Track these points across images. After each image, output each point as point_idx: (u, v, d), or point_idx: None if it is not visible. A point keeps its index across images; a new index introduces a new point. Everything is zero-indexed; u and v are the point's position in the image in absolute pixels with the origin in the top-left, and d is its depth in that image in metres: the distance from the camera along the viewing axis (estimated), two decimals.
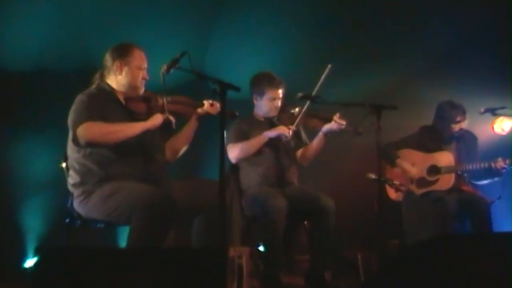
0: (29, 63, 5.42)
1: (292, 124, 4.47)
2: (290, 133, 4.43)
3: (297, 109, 4.50)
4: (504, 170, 4.91)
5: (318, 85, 4.29)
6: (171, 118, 3.62)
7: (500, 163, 4.87)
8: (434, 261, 2.92)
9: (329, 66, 4.24)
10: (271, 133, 4.48)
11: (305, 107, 4.42)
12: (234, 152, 4.50)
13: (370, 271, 5.11)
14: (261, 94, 4.63)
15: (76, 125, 3.46)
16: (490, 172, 5.01)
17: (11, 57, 5.34)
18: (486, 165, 4.94)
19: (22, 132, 5.47)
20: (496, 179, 5.07)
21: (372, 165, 4.02)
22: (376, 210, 3.86)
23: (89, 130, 3.43)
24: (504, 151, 5.43)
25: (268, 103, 4.62)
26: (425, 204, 5.04)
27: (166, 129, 3.66)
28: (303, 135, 4.77)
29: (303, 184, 4.74)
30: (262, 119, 4.74)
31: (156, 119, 3.60)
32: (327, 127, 4.44)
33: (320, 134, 4.54)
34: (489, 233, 4.58)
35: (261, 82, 4.63)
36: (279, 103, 4.62)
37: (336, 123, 4.36)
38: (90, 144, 3.48)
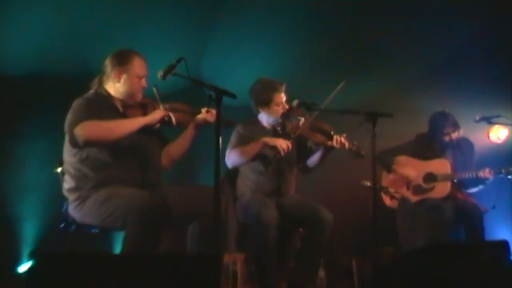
0: (25, 67, 5.42)
1: (295, 133, 4.40)
2: (286, 149, 4.32)
3: (302, 119, 4.41)
4: (488, 180, 5.03)
5: (328, 99, 4.20)
6: (171, 114, 3.61)
7: (486, 173, 4.97)
8: (427, 269, 2.93)
9: (343, 82, 4.12)
10: (269, 141, 4.40)
11: (310, 119, 4.35)
12: (230, 158, 4.47)
13: (364, 278, 5.11)
14: (268, 102, 4.56)
15: (73, 125, 3.42)
16: (476, 181, 5.11)
17: (7, 61, 5.34)
18: (474, 174, 5.04)
19: (18, 136, 5.46)
20: (480, 187, 5.17)
21: (367, 173, 4.02)
22: (371, 217, 3.86)
23: (87, 128, 3.40)
24: (499, 159, 5.45)
25: (276, 108, 4.56)
26: (420, 212, 5.05)
27: (166, 125, 3.66)
28: (309, 143, 4.65)
29: (299, 191, 4.72)
30: (267, 126, 4.68)
31: (156, 114, 3.60)
32: (328, 144, 4.37)
33: (321, 150, 4.51)
34: (482, 242, 4.60)
35: (265, 90, 4.57)
36: (285, 105, 4.55)
37: (336, 143, 4.32)
38: (89, 143, 3.44)
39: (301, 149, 4.66)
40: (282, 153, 4.32)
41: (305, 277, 4.27)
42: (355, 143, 4.37)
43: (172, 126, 3.67)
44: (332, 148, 4.38)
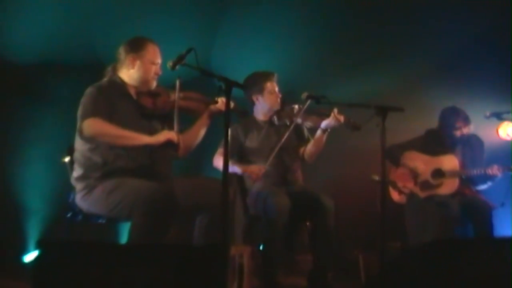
0: (34, 56, 5.41)
1: (291, 120, 4.47)
2: (258, 173, 4.37)
3: (296, 107, 4.51)
4: (496, 177, 5.01)
5: (301, 113, 4.41)
6: (179, 139, 3.58)
7: (495, 170, 4.95)
8: (435, 264, 2.91)
9: (308, 101, 4.32)
10: (241, 170, 4.47)
11: (305, 106, 4.40)
12: (215, 161, 4.57)
13: (371, 272, 5.09)
14: (261, 90, 4.66)
15: (82, 118, 3.47)
16: (484, 178, 5.09)
17: (16, 49, 5.34)
18: (482, 171, 5.02)
19: (26, 125, 5.46)
20: (489, 183, 5.14)
21: (376, 167, 4.00)
22: (378, 211, 3.84)
23: (94, 126, 3.44)
24: (507, 156, 5.41)
25: (270, 96, 4.66)
26: (428, 208, 5.02)
27: (170, 147, 3.62)
28: (305, 132, 4.76)
29: (308, 184, 4.72)
30: (262, 119, 4.75)
31: (161, 136, 3.57)
32: (325, 123, 4.42)
33: (319, 131, 4.53)
34: (490, 238, 4.57)
35: (258, 79, 4.67)
36: (279, 94, 4.67)
37: (333, 119, 4.36)
38: (92, 139, 3.50)
39: (300, 139, 4.74)
40: (254, 178, 4.39)
41: (324, 265, 4.29)
42: (348, 117, 4.41)
43: (175, 147, 3.61)
44: (327, 127, 4.43)
